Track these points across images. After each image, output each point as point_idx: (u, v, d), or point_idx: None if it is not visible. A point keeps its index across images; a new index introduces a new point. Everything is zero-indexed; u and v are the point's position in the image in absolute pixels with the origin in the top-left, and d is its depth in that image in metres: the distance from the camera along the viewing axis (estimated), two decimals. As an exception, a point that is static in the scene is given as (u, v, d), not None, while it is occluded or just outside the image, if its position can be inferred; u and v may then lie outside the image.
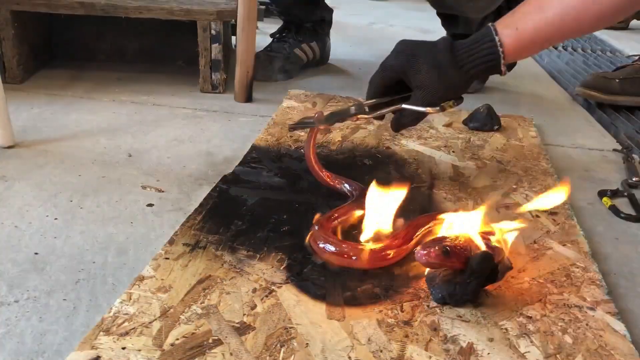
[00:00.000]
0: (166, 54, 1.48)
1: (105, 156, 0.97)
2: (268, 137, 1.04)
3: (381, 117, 0.85)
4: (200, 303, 0.60)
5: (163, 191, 0.86)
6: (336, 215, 0.74)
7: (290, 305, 0.60)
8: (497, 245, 0.67)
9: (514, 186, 0.91)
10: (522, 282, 0.67)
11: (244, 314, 0.59)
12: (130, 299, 0.60)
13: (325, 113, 0.82)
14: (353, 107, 0.82)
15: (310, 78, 1.49)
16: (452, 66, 0.76)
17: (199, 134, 1.08)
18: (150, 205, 0.82)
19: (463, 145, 1.06)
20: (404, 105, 0.79)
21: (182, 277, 0.64)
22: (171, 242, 0.70)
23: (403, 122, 0.82)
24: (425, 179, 0.92)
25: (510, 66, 1.37)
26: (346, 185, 0.83)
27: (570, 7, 0.73)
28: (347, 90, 1.37)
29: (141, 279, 0.63)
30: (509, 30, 0.75)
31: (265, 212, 0.78)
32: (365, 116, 0.81)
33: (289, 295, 0.62)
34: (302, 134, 1.03)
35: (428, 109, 0.78)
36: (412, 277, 0.66)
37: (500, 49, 0.76)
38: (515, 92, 1.49)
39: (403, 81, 0.81)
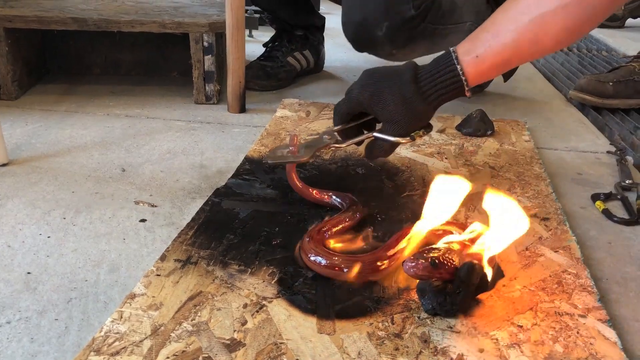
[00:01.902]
0: (160, 67, 1.49)
1: (99, 171, 0.97)
2: (261, 148, 1.04)
3: (357, 143, 0.86)
4: (191, 320, 0.60)
5: (156, 206, 0.86)
6: (327, 227, 0.74)
7: (281, 320, 0.61)
8: (488, 253, 0.67)
9: (506, 192, 0.91)
10: (514, 291, 0.67)
11: (235, 330, 0.59)
12: (122, 317, 0.60)
13: (298, 138, 0.83)
14: (326, 136, 0.83)
15: (305, 86, 1.49)
16: (418, 99, 0.78)
17: (192, 147, 1.08)
18: (142, 220, 0.82)
19: (456, 152, 1.06)
20: (375, 134, 0.81)
21: (173, 293, 0.64)
22: (163, 258, 0.70)
23: (376, 154, 0.83)
24: (417, 187, 0.92)
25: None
26: (335, 197, 0.84)
27: (525, 31, 0.74)
28: (341, 97, 1.36)
29: (132, 296, 0.63)
30: (469, 57, 0.77)
31: (257, 225, 0.78)
32: (339, 145, 0.83)
33: (280, 310, 0.62)
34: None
35: (400, 139, 0.79)
36: (403, 288, 0.66)
37: (463, 77, 0.77)
38: (510, 95, 1.49)
39: None
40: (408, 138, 0.80)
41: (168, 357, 0.55)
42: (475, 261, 0.61)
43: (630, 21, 2.53)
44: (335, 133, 0.83)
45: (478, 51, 0.76)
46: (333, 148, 0.84)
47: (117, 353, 0.55)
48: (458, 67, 0.77)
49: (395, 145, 0.81)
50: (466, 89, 0.78)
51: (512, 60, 0.78)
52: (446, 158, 1.03)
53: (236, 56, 1.23)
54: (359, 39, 1.22)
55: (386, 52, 1.23)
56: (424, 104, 0.78)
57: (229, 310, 0.62)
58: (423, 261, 0.59)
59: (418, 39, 1.19)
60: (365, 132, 0.84)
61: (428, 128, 0.83)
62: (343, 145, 0.83)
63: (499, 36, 0.76)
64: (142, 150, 1.06)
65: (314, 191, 0.85)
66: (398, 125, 0.79)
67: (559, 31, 0.74)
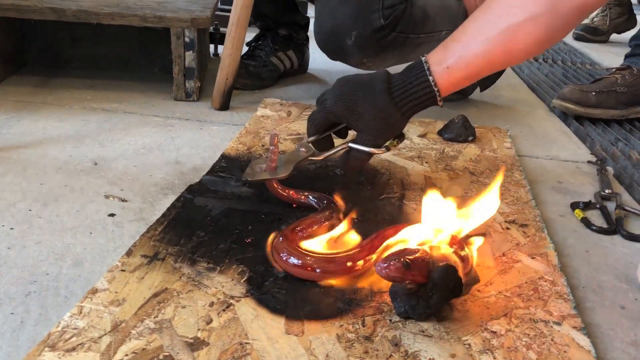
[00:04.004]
0: (141, 62, 1.46)
1: (70, 164, 0.94)
2: (239, 146, 1.02)
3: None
4: (154, 317, 0.58)
5: (126, 201, 0.84)
6: (301, 226, 0.73)
7: (248, 320, 0.59)
8: (465, 256, 0.66)
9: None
10: (489, 296, 0.66)
11: (199, 329, 0.57)
12: (81, 312, 0.57)
13: (278, 138, 0.82)
14: (302, 149, 0.84)
15: (288, 87, 1.48)
16: (392, 109, 0.78)
17: (168, 143, 1.06)
18: (111, 215, 0.80)
19: (437, 156, 1.05)
20: (351, 145, 0.81)
21: (137, 289, 0.62)
22: (129, 253, 0.68)
23: (352, 164, 0.83)
24: (396, 190, 0.90)
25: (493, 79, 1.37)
26: (311, 198, 0.82)
27: (496, 42, 0.75)
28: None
29: (94, 291, 0.61)
30: (441, 67, 0.77)
31: (229, 223, 0.77)
32: (316, 158, 0.84)
33: (247, 310, 0.60)
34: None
35: (374, 150, 0.80)
36: (376, 291, 0.65)
37: (435, 88, 0.78)
38: (493, 103, 1.49)
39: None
40: (383, 149, 0.81)
41: (127, 355, 0.53)
42: (450, 264, 0.60)
43: (614, 36, 2.55)
44: (310, 145, 0.84)
45: (449, 62, 0.77)
46: (311, 160, 0.85)
47: (74, 349, 0.53)
48: (430, 78, 0.77)
49: (370, 155, 0.82)
50: (438, 99, 0.79)
51: (483, 70, 0.78)
52: (426, 162, 1.02)
53: (230, 52, 1.21)
54: (329, 47, 1.21)
55: (357, 61, 1.22)
56: (397, 114, 0.79)
57: (194, 308, 0.60)
58: (396, 262, 0.57)
59: (389, 49, 1.18)
60: (338, 139, 0.83)
61: (401, 137, 0.84)
62: (320, 158, 0.84)
63: (470, 47, 0.76)
64: (117, 145, 1.04)
65: (291, 191, 0.83)
66: (373, 135, 0.79)
67: (529, 42, 0.75)
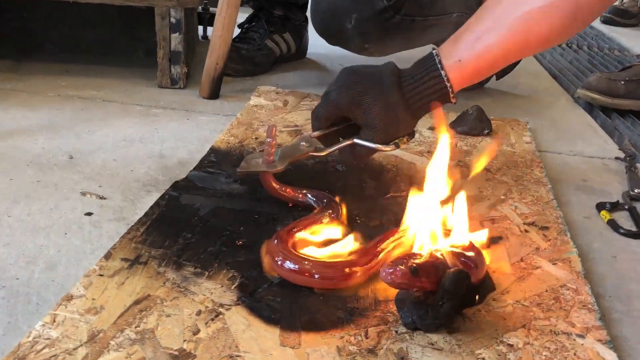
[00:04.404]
0: (122, 46, 1.47)
1: (43, 158, 0.95)
2: (230, 139, 1.02)
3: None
4: (135, 327, 0.58)
5: (105, 198, 0.84)
6: (298, 227, 0.73)
7: (239, 330, 0.59)
8: (478, 260, 0.66)
9: (502, 197, 0.90)
10: (505, 306, 0.66)
11: (185, 340, 0.57)
12: (55, 321, 0.58)
13: (276, 130, 0.82)
14: (303, 143, 0.84)
15: (284, 73, 1.48)
16: (402, 106, 0.79)
17: (152, 134, 1.06)
18: (88, 214, 0.80)
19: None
20: (356, 140, 0.81)
21: (116, 296, 0.62)
22: (107, 256, 0.68)
23: (353, 159, 0.83)
24: (403, 188, 0.90)
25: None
26: (310, 196, 0.82)
27: (511, 32, 0.75)
28: (324, 87, 1.35)
29: (69, 298, 0.61)
30: (452, 61, 0.77)
31: (219, 223, 0.77)
32: (318, 154, 0.84)
33: (238, 319, 0.60)
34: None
35: (382, 147, 0.80)
36: (380, 299, 0.65)
37: (448, 84, 0.78)
38: (511, 92, 1.49)
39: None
40: (392, 145, 0.81)
41: (105, 368, 0.53)
42: (463, 269, 0.60)
43: (646, 19, 2.55)
44: (315, 140, 0.84)
45: (461, 54, 0.77)
46: (311, 156, 0.85)
47: (46, 362, 0.53)
48: (442, 72, 0.77)
49: (374, 151, 0.82)
50: (451, 95, 0.79)
51: (498, 63, 0.79)
52: (437, 157, 1.02)
53: (220, 34, 1.21)
54: (327, 31, 1.21)
55: (357, 47, 1.22)
56: (407, 111, 0.79)
57: (180, 317, 0.60)
58: (402, 268, 0.58)
59: (393, 33, 1.18)
60: (342, 139, 0.83)
61: (411, 135, 0.84)
62: (322, 153, 0.84)
63: (482, 37, 0.77)
64: (95, 137, 1.04)
65: (287, 189, 0.83)
66: (380, 131, 0.79)
67: (550, 30, 0.75)
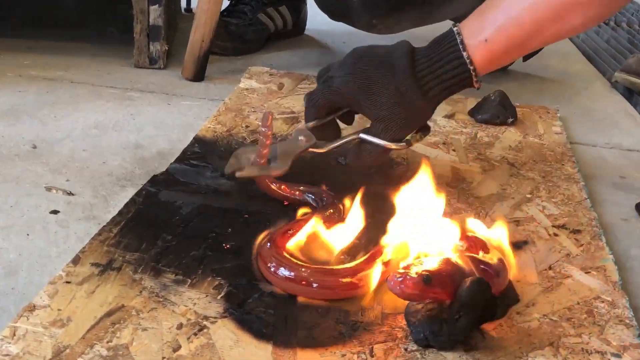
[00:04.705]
0: (95, 20, 1.47)
1: (2, 147, 0.95)
2: (217, 127, 1.03)
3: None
4: (107, 342, 0.58)
5: (73, 194, 0.85)
6: (294, 229, 0.73)
7: (226, 347, 0.59)
8: (500, 268, 0.66)
9: (529, 195, 0.90)
10: (530, 320, 0.66)
11: (163, 358, 0.57)
12: (15, 335, 0.58)
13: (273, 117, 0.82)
14: (301, 137, 0.84)
15: (279, 52, 1.48)
16: (416, 94, 0.78)
17: (127, 121, 1.07)
18: (54, 212, 0.80)
19: (467, 142, 1.06)
20: (363, 136, 0.81)
21: (85, 307, 0.62)
22: (76, 261, 0.68)
23: (364, 160, 0.83)
24: (415, 185, 0.91)
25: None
26: (308, 194, 0.83)
27: (545, 6, 0.74)
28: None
29: (31, 308, 0.61)
30: (477, 41, 0.77)
31: (204, 224, 0.77)
32: (319, 150, 0.84)
33: (225, 333, 0.61)
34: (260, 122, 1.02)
35: (392, 145, 0.80)
36: (388, 312, 0.65)
37: (471, 67, 0.77)
38: (539, 75, 1.49)
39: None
40: (403, 143, 0.81)
41: (72, 389, 0.53)
42: (482, 278, 0.60)
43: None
44: (314, 137, 0.83)
45: (487, 33, 0.76)
46: (311, 152, 0.84)
47: (5, 382, 0.53)
48: (464, 54, 0.77)
49: (386, 150, 0.82)
50: (474, 80, 0.78)
51: (530, 42, 0.78)
52: (454, 150, 1.03)
53: (206, 7, 1.21)
54: (330, 5, 1.21)
55: (365, 23, 1.22)
56: (423, 100, 0.79)
57: (158, 331, 0.60)
58: (413, 276, 0.58)
59: (405, 7, 1.18)
60: (345, 129, 0.84)
61: (426, 130, 0.85)
62: (323, 150, 0.84)
63: (512, 13, 0.76)
64: (62, 123, 1.04)
65: (282, 185, 0.83)
66: (391, 125, 0.79)
67: (591, 5, 0.73)
